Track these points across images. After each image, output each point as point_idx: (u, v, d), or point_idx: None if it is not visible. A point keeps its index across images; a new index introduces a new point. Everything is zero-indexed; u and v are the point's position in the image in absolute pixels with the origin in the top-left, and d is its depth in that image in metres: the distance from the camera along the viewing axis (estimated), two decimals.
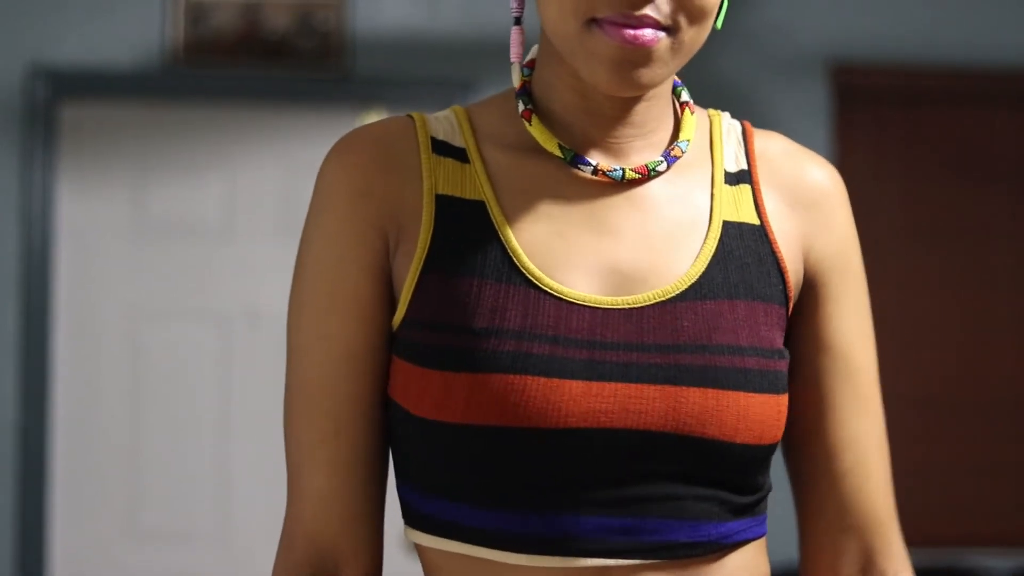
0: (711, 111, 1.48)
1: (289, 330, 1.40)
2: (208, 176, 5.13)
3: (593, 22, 1.31)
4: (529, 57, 1.46)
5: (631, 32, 1.29)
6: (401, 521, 5.11)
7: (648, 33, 1.29)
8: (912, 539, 5.39)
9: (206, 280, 5.12)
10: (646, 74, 1.31)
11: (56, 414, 5.03)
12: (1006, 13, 5.48)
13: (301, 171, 5.16)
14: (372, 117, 5.16)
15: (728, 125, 1.46)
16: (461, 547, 1.34)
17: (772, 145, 1.45)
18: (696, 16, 1.31)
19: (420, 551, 1.40)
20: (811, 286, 1.44)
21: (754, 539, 1.39)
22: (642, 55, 1.30)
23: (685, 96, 1.46)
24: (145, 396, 5.07)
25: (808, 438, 1.45)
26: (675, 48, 1.32)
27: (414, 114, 1.43)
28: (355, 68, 5.15)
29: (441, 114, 1.43)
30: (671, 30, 1.31)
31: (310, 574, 1.38)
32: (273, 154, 5.16)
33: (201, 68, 5.07)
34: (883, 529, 1.46)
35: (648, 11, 1.29)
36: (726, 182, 1.42)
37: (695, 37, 1.33)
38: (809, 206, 1.44)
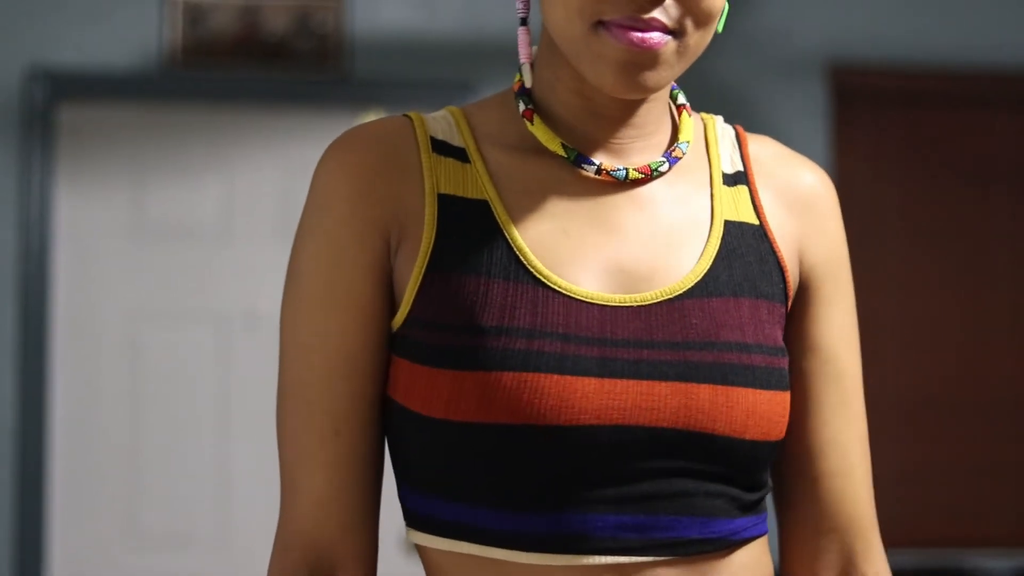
0: (703, 115, 1.50)
1: (283, 330, 1.39)
2: (206, 178, 5.13)
3: (600, 24, 1.31)
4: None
5: (639, 35, 1.30)
6: (400, 522, 5.11)
7: (655, 36, 1.30)
8: (912, 540, 5.38)
9: (205, 282, 5.12)
10: (652, 77, 1.32)
11: (55, 416, 5.03)
12: (1005, 14, 5.48)
13: (299, 173, 5.16)
14: (370, 118, 5.15)
15: (722, 129, 1.48)
16: (470, 548, 1.33)
17: (765, 149, 1.47)
18: (702, 20, 1.32)
19: (424, 553, 1.39)
20: (804, 288, 1.45)
21: (759, 536, 1.40)
22: (649, 58, 1.31)
23: (682, 99, 1.47)
24: (144, 398, 5.07)
25: (792, 439, 1.46)
26: (681, 51, 1.33)
27: (411, 114, 1.42)
28: (353, 70, 5.15)
29: (438, 114, 1.43)
30: (677, 34, 1.32)
31: None
32: (271, 156, 5.15)
33: (199, 70, 5.07)
34: (864, 532, 1.47)
35: (656, 14, 1.30)
36: (724, 183, 1.43)
37: (700, 41, 1.33)
38: (803, 210, 1.45)
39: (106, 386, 5.05)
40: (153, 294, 5.09)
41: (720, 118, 1.49)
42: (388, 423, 1.38)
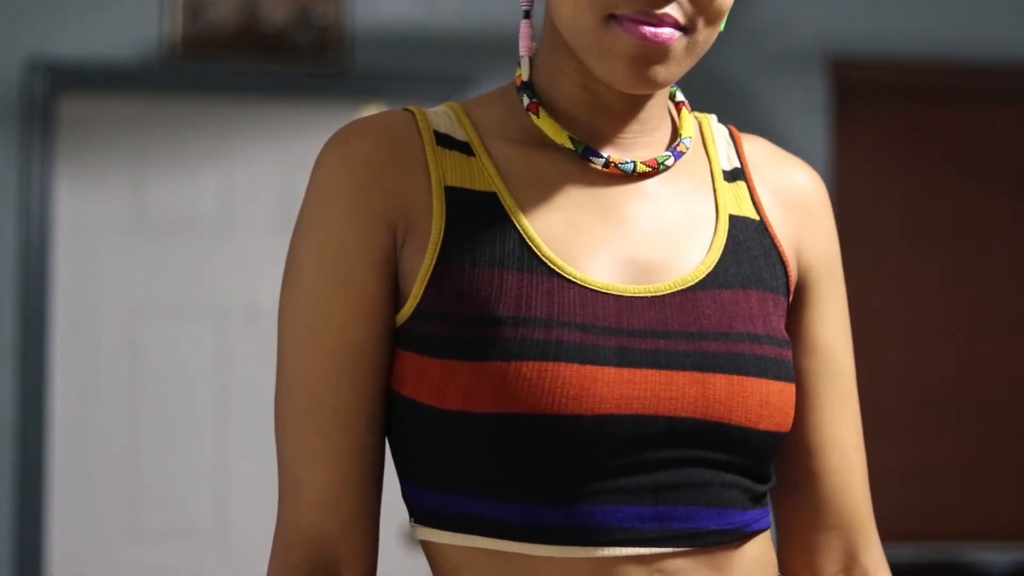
0: (697, 114, 1.51)
1: (283, 325, 1.37)
2: (206, 171, 5.12)
3: (611, 18, 1.32)
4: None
5: (651, 30, 1.30)
6: (400, 518, 5.10)
7: (667, 32, 1.31)
8: (913, 534, 5.38)
9: (205, 275, 5.11)
10: (662, 72, 1.32)
11: (55, 411, 5.02)
12: (1006, 8, 5.47)
13: (299, 166, 5.15)
14: (370, 111, 5.14)
15: (716, 127, 1.49)
16: (484, 542, 1.33)
17: (758, 148, 1.49)
18: (713, 17, 1.33)
19: (432, 549, 1.37)
20: (801, 287, 1.47)
21: (765, 529, 1.41)
22: (660, 53, 1.31)
23: (680, 96, 1.49)
24: (144, 392, 5.06)
25: (792, 436, 1.47)
26: (690, 47, 1.34)
27: (412, 108, 1.42)
28: (354, 62, 5.14)
29: (438, 109, 1.43)
30: (688, 30, 1.33)
31: (308, 575, 1.35)
32: (271, 149, 5.15)
33: (199, 62, 5.06)
34: (864, 527, 1.49)
35: (669, 10, 1.31)
36: (724, 179, 1.45)
37: (708, 38, 1.35)
38: (799, 209, 1.47)
39: (106, 380, 5.05)
40: (153, 287, 5.08)
41: (714, 117, 1.51)
42: (391, 418, 1.37)
